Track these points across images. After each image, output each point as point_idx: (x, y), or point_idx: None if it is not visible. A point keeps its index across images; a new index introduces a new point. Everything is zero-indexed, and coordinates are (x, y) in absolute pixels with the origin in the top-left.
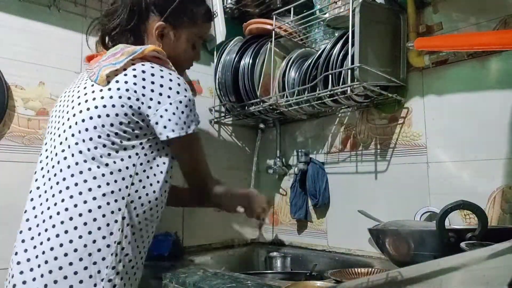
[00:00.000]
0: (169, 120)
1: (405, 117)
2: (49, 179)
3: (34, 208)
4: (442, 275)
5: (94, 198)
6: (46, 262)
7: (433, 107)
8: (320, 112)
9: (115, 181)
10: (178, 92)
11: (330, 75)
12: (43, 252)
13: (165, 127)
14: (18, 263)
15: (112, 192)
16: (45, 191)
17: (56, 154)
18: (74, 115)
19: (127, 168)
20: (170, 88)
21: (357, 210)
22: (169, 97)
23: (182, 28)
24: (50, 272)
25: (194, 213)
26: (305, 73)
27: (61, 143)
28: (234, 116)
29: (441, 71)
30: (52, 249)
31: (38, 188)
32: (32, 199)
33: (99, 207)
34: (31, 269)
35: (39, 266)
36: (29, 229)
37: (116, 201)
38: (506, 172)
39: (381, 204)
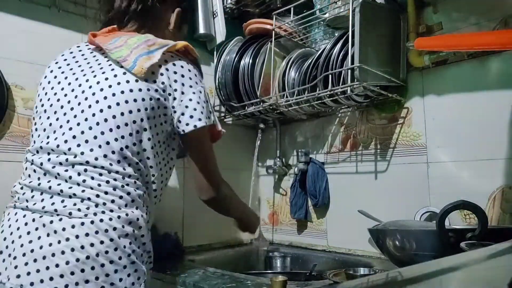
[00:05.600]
0: (195, 109)
1: (405, 117)
2: (70, 176)
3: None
4: (442, 275)
5: (135, 190)
6: (101, 242)
7: (433, 107)
8: (320, 112)
9: (144, 183)
10: (197, 83)
11: (330, 75)
12: (77, 236)
13: (191, 116)
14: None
15: (146, 185)
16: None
17: (82, 153)
18: (101, 110)
19: (151, 167)
20: (190, 78)
21: (357, 210)
22: (190, 87)
23: (185, 18)
24: (88, 257)
25: (194, 213)
26: (305, 73)
27: (86, 141)
28: (234, 116)
29: (441, 71)
30: (106, 230)
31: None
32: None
33: (139, 196)
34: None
35: (92, 245)
36: (51, 222)
37: (143, 194)
38: (506, 172)
39: (381, 204)
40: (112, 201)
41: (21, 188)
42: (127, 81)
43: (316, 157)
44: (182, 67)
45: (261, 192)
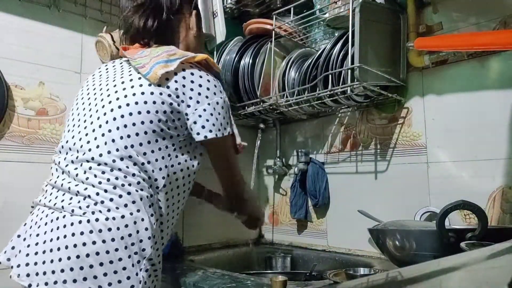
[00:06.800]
0: (207, 120)
1: (405, 117)
2: (77, 174)
3: (63, 200)
4: (442, 275)
5: (137, 191)
6: (94, 243)
7: (433, 107)
8: (320, 112)
9: (150, 186)
10: (215, 93)
11: (330, 75)
12: (90, 231)
13: (203, 127)
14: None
15: (149, 187)
16: (78, 189)
17: (89, 150)
18: (112, 110)
19: (160, 169)
20: (208, 89)
21: (357, 210)
22: (207, 97)
23: (199, 19)
24: (97, 254)
25: (194, 213)
26: (305, 73)
27: (95, 138)
28: (234, 116)
29: (441, 71)
30: (100, 231)
31: (68, 181)
32: (60, 190)
33: (141, 199)
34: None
35: (84, 244)
36: (57, 218)
37: (151, 196)
38: (506, 172)
39: (381, 204)
40: (111, 200)
41: (46, 185)
42: (140, 85)
43: (316, 157)
44: (200, 77)
45: (261, 192)
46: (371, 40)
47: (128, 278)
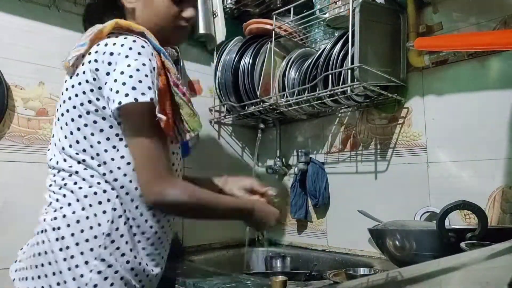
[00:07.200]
0: (124, 84)
1: (405, 117)
2: (49, 184)
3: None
4: (442, 275)
5: (80, 188)
6: (43, 242)
7: (433, 107)
8: (320, 112)
9: (100, 181)
10: (127, 56)
11: (330, 75)
12: (45, 230)
13: (117, 91)
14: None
15: (99, 183)
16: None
17: (50, 159)
18: (56, 110)
19: (104, 163)
20: (119, 54)
21: (357, 210)
22: (116, 63)
23: None
24: (39, 254)
25: None
26: (305, 73)
27: (55, 144)
28: (234, 116)
29: (441, 71)
30: (38, 233)
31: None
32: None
33: (86, 196)
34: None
35: (37, 243)
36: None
37: (104, 191)
38: (506, 172)
39: (381, 204)
40: (57, 200)
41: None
42: (65, 81)
43: (316, 157)
44: (114, 44)
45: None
46: (371, 40)
47: (74, 279)
